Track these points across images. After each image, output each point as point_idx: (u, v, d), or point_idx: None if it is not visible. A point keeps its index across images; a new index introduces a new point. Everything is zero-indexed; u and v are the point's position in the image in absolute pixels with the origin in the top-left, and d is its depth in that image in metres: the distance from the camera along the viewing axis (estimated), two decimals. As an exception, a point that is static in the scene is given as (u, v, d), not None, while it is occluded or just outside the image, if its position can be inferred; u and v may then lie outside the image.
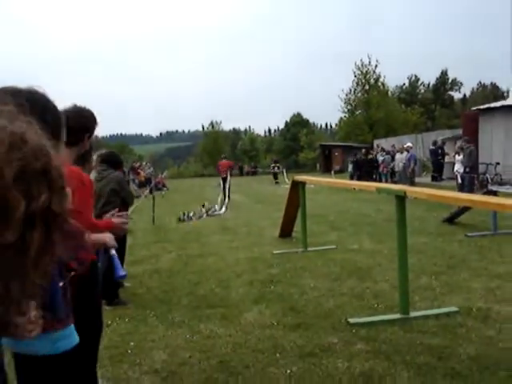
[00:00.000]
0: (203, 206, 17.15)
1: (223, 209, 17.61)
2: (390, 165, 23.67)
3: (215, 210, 17.17)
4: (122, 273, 2.94)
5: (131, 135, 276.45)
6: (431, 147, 24.88)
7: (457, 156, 17.69)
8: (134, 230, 12.36)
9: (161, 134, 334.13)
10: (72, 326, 2.00)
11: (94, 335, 2.84)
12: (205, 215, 16.14)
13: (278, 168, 36.33)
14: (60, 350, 1.92)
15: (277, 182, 33.76)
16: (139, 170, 31.12)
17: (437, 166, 24.16)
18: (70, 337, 1.96)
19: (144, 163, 34.21)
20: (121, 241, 4.63)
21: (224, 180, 21.37)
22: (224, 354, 4.63)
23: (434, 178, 23.93)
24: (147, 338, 5.12)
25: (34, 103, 1.52)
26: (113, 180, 6.14)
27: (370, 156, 28.10)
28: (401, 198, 5.51)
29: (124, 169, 28.66)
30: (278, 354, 4.55)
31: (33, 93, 1.66)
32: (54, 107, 1.81)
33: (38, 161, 0.83)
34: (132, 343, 4.96)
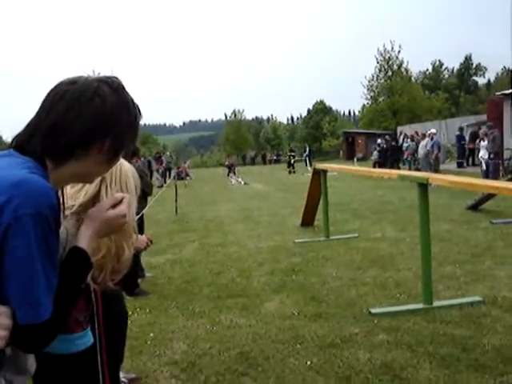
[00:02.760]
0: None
1: (241, 182, 26.72)
2: (414, 151, 23.32)
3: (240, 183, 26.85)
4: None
5: (154, 125, 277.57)
6: (457, 133, 24.55)
7: (481, 142, 17.38)
8: (157, 219, 12.41)
9: (184, 123, 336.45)
10: (89, 328, 2.01)
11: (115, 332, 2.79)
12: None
13: (294, 157, 36.14)
14: (76, 350, 1.94)
15: (290, 172, 33.47)
16: (163, 159, 31.21)
17: (462, 153, 23.85)
18: (85, 337, 1.98)
19: (163, 154, 34.41)
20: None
21: (229, 167, 31.09)
22: (244, 344, 4.61)
23: (460, 165, 23.62)
24: (167, 328, 5.12)
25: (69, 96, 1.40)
26: None
27: (395, 143, 27.49)
28: (423, 186, 5.41)
29: (148, 158, 29.06)
30: (298, 345, 4.51)
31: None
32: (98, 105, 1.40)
33: None
34: (152, 334, 4.95)
